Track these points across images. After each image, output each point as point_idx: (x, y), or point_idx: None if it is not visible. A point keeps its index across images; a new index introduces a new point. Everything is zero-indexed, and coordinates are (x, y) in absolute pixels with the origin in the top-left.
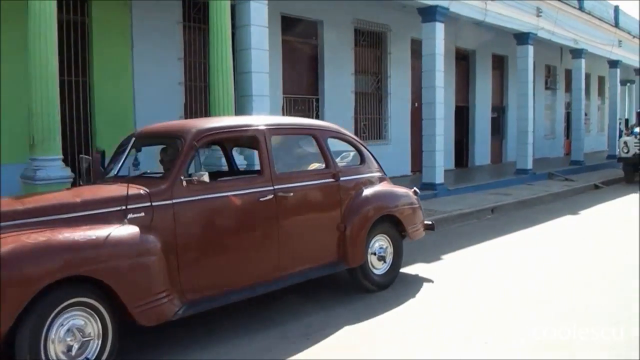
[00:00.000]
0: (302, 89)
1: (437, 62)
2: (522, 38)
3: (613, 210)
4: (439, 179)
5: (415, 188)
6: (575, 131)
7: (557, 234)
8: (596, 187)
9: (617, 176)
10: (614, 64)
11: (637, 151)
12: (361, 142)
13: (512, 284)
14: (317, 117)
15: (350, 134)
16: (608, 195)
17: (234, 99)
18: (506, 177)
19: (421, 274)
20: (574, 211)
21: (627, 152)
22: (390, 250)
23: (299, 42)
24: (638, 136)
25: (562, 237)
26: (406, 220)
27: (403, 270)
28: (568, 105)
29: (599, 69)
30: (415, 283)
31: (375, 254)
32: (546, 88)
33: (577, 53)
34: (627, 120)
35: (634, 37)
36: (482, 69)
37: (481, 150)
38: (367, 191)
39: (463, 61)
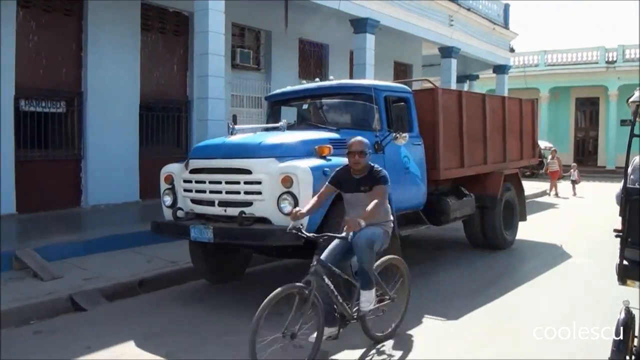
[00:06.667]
0: None
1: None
2: None
3: None
4: None
5: None
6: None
7: None
8: (77, 308)
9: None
10: (359, 25)
11: (222, 209)
12: None
13: None
14: None
15: None
16: None
17: None
18: None
19: None
20: None
21: (171, 205)
22: None
23: None
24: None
25: None
26: None
27: None
28: None
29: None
30: None
31: None
32: (233, 66)
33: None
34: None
35: None
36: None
37: None
38: None
39: None
